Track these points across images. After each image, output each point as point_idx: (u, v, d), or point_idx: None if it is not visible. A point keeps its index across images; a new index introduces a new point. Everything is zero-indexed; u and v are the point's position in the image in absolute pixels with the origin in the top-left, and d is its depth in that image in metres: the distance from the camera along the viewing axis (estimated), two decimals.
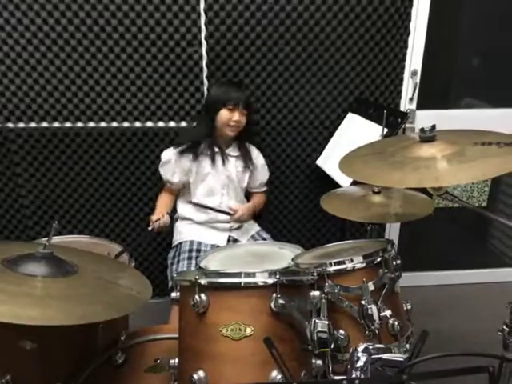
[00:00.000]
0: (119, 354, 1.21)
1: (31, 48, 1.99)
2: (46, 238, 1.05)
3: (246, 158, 1.96)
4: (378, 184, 1.51)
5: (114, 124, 2.15)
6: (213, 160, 1.89)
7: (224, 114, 1.85)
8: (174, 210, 2.03)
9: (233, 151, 1.96)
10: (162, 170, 1.95)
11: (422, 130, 1.13)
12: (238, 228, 2.00)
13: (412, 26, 2.15)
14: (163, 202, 2.01)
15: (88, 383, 1.14)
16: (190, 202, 1.91)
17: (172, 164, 1.91)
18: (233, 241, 1.95)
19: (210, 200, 1.94)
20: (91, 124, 2.14)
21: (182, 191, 2.02)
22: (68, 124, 2.13)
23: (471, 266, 2.72)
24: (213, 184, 1.93)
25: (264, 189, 2.13)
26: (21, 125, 2.11)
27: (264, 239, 1.91)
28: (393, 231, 2.57)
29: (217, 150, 1.91)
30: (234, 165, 1.95)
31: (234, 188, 1.98)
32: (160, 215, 1.84)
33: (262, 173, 2.06)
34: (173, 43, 2.02)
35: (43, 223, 2.28)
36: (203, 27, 2.02)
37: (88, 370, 1.17)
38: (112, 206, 2.29)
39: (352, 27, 2.07)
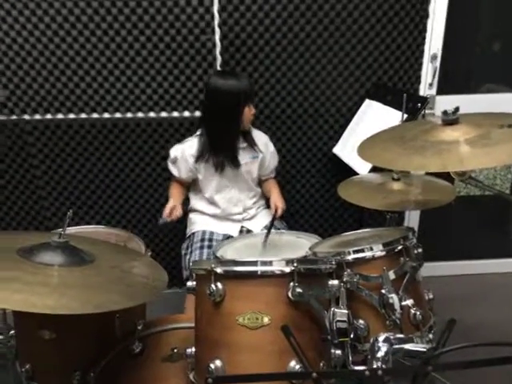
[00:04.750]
0: (136, 343, 1.21)
1: (45, 40, 1.99)
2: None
3: (253, 147, 1.90)
4: (398, 168, 1.47)
5: (129, 115, 2.14)
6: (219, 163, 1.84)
7: (247, 112, 1.77)
8: (185, 201, 2.00)
9: (240, 143, 1.89)
10: (170, 166, 1.93)
11: (444, 112, 1.09)
12: (251, 218, 1.98)
13: (431, 8, 2.09)
14: (175, 192, 1.95)
15: (106, 372, 1.15)
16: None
17: (179, 162, 1.88)
18: (246, 231, 1.93)
19: (220, 196, 1.91)
20: (106, 115, 2.14)
21: (193, 185, 1.99)
22: (83, 115, 2.13)
23: (493, 255, 2.66)
24: (222, 179, 1.89)
25: (274, 174, 2.08)
26: (37, 117, 2.13)
27: (278, 229, 1.87)
28: (412, 220, 2.51)
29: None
30: (242, 157, 1.88)
31: (245, 180, 1.94)
32: (172, 205, 1.79)
33: (273, 160, 2.01)
34: (186, 31, 2.00)
35: (61, 214, 2.30)
36: (216, 14, 1.99)
37: (106, 359, 1.17)
38: (128, 197, 2.29)
39: (369, 10, 2.02)
